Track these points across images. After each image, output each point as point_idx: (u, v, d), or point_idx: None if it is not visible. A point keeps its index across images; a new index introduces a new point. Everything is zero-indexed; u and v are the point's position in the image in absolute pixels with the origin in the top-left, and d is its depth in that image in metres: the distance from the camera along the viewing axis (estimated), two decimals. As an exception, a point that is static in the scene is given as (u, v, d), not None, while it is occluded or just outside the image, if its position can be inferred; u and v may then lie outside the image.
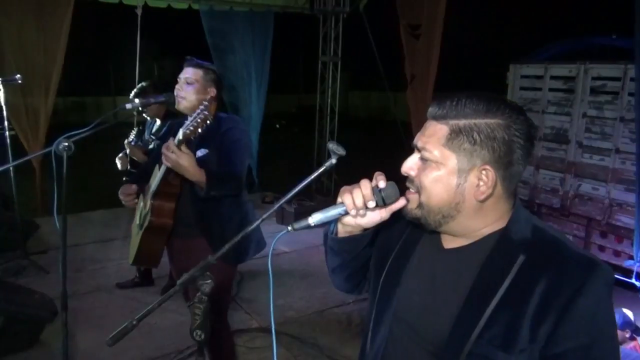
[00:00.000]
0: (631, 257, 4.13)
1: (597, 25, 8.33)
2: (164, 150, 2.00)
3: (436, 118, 0.98)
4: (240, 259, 2.41)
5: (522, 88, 5.10)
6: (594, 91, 4.49)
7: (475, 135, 0.93)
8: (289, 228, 1.02)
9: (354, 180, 1.05)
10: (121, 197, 2.31)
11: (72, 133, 1.87)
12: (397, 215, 1.06)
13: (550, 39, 5.67)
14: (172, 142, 1.99)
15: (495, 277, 0.93)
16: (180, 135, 1.98)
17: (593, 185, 4.54)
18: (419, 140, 1.00)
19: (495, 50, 10.48)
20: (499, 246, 0.96)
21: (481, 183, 0.94)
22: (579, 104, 4.59)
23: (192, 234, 2.28)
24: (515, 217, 0.98)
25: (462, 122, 0.94)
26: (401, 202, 1.02)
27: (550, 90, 4.84)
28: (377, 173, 1.02)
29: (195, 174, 2.02)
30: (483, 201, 0.96)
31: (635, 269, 4.05)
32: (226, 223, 2.28)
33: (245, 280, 4.23)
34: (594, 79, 4.48)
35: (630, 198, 4.15)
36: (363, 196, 0.99)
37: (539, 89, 4.93)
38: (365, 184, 1.00)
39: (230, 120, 2.35)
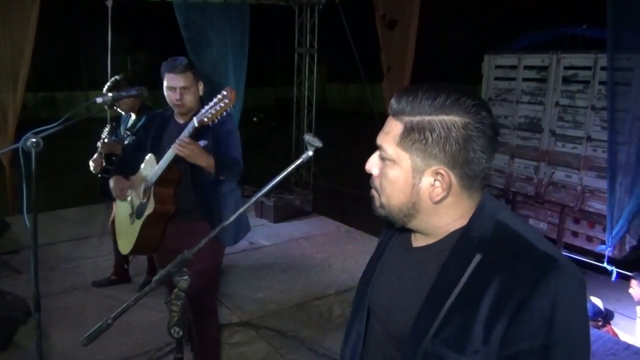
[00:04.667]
0: (603, 242, 4.25)
1: (568, 16, 8.48)
2: (178, 145, 2.12)
3: (393, 114, 0.94)
4: (236, 240, 2.59)
5: (496, 78, 5.16)
6: (566, 80, 4.57)
7: (427, 133, 0.89)
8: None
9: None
10: (116, 191, 2.43)
11: (41, 129, 1.80)
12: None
13: (523, 29, 5.74)
14: (185, 138, 2.14)
15: (453, 276, 0.91)
16: (195, 122, 2.10)
17: (566, 172, 4.64)
18: (378, 138, 0.97)
19: (470, 41, 10.59)
20: (458, 245, 0.94)
21: (436, 184, 0.92)
22: (551, 93, 4.67)
23: (187, 217, 2.38)
24: (479, 213, 0.95)
25: (416, 119, 0.90)
26: None
27: (524, 80, 4.92)
28: None
29: (207, 159, 2.21)
30: (438, 202, 0.94)
31: (607, 253, 4.16)
32: (223, 206, 2.45)
33: (225, 275, 4.20)
34: (566, 68, 4.57)
35: (602, 184, 4.26)
36: None
37: (513, 79, 5.00)
38: None
39: None
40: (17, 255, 4.43)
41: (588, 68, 4.40)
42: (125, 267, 4.05)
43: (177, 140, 2.14)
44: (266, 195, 5.04)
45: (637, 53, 3.74)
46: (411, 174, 0.93)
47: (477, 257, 0.90)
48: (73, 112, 2.00)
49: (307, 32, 6.58)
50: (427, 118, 0.90)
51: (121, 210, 2.59)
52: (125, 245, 2.52)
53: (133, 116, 3.74)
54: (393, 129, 0.94)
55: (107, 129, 3.88)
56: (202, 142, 2.30)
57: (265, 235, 5.24)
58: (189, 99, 2.36)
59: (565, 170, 4.64)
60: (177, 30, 5.87)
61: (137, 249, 2.45)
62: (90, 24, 10.11)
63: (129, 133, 3.69)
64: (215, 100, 2.04)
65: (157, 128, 2.47)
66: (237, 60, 6.29)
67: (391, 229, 1.12)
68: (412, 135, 0.91)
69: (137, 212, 2.43)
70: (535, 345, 0.83)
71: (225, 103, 2.02)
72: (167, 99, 2.38)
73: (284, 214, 5.76)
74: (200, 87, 2.43)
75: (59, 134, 1.95)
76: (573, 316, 0.86)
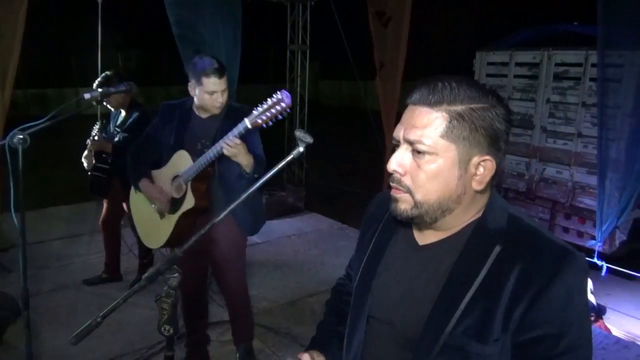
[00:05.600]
0: (593, 238, 4.28)
1: (559, 13, 8.53)
2: (227, 144, 2.19)
3: (430, 104, 0.90)
4: (254, 230, 2.71)
5: (488, 75, 5.17)
6: (557, 77, 4.59)
7: (476, 121, 0.89)
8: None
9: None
10: (158, 204, 2.51)
11: (28, 125, 1.78)
12: (373, 211, 1.02)
13: (515, 26, 5.76)
14: (233, 138, 2.19)
15: (472, 268, 0.91)
16: (247, 124, 2.15)
17: (557, 169, 4.67)
18: (410, 133, 0.92)
19: (463, 38, 10.61)
20: (475, 236, 0.94)
21: (478, 172, 0.92)
22: (542, 89, 4.69)
23: (214, 209, 2.46)
24: (491, 206, 0.96)
25: (459, 108, 0.89)
26: None
27: (516, 76, 4.94)
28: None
29: (247, 158, 2.30)
30: (482, 191, 0.94)
31: (597, 248, 4.19)
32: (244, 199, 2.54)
33: (218, 273, 4.18)
34: (557, 65, 4.59)
35: (592, 180, 4.28)
36: None
37: (505, 76, 5.01)
38: None
39: (245, 108, 2.47)
40: (7, 254, 4.39)
41: (579, 65, 4.42)
42: (116, 265, 4.01)
43: (225, 139, 2.20)
44: (258, 192, 5.01)
45: (628, 50, 3.76)
46: (457, 165, 0.91)
47: (497, 248, 0.91)
48: (61, 108, 1.97)
49: (299, 29, 6.56)
50: (470, 106, 0.90)
51: (142, 206, 2.62)
52: (154, 239, 2.59)
53: (123, 113, 3.71)
54: (432, 120, 0.90)
55: (97, 126, 3.84)
56: None
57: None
58: (226, 98, 2.45)
59: (556, 166, 4.67)
60: (168, 26, 5.82)
61: (169, 243, 2.54)
62: (80, 21, 9.99)
63: (118, 130, 3.66)
64: (269, 103, 2.05)
65: (178, 122, 2.50)
66: (230, 58, 6.25)
67: (387, 228, 1.09)
68: (461, 124, 0.89)
69: (170, 207, 2.50)
70: (551, 332, 0.86)
71: (281, 107, 2.04)
72: (207, 102, 2.40)
73: (276, 211, 5.75)
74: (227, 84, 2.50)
75: (49, 131, 1.92)
76: (583, 306, 0.90)
